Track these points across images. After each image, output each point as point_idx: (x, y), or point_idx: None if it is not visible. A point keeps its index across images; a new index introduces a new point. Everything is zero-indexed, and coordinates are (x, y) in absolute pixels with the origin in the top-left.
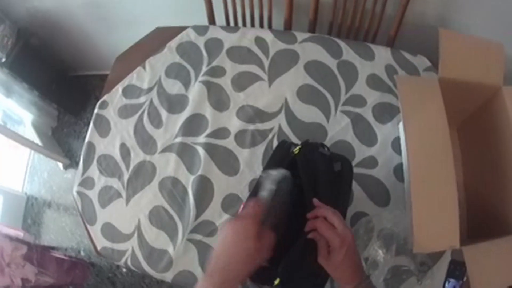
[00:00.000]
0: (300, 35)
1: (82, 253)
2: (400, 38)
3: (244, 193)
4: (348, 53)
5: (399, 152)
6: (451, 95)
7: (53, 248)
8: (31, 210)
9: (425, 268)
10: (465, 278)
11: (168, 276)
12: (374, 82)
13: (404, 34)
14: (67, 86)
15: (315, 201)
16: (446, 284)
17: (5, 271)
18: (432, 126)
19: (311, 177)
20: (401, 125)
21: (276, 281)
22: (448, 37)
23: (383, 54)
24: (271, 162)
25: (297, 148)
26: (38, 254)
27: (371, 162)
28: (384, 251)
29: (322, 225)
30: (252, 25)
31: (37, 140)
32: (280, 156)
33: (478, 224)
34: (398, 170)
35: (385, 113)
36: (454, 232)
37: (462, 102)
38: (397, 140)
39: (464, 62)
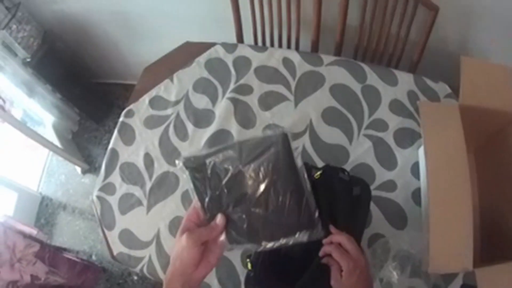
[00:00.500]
0: (326, 58)
1: (94, 257)
2: (422, 63)
3: None
4: (372, 78)
5: (417, 176)
6: (470, 120)
7: (64, 249)
8: (45, 211)
9: None
10: None
11: None
12: (396, 107)
13: (426, 60)
14: (90, 92)
15: (331, 227)
16: None
17: (15, 266)
18: (451, 151)
19: (329, 203)
20: (421, 150)
21: None
22: (469, 65)
23: (405, 80)
24: None
25: (318, 173)
26: (51, 253)
27: (390, 185)
28: (399, 272)
29: (336, 250)
30: (280, 45)
31: (56, 142)
32: None
33: (492, 246)
34: (416, 194)
35: (406, 138)
36: (468, 255)
37: (480, 127)
38: (416, 165)
39: (483, 89)
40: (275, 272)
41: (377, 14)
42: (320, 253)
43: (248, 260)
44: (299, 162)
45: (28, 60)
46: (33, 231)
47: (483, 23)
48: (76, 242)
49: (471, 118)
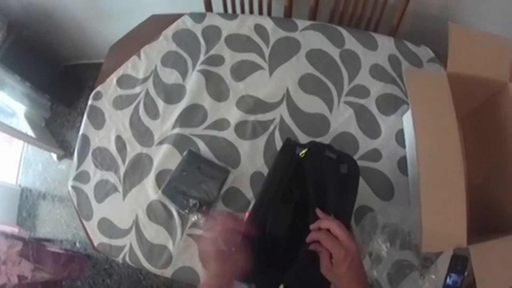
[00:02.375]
0: (301, 23)
1: (78, 245)
2: (402, 28)
3: (245, 187)
4: (351, 42)
5: (403, 145)
6: (457, 88)
7: (48, 240)
8: (26, 203)
9: (428, 263)
10: (466, 273)
11: (168, 272)
12: (377, 72)
13: (406, 24)
14: (60, 76)
15: (318, 211)
16: (448, 279)
17: (1, 269)
18: (441, 122)
19: (317, 184)
20: (405, 117)
21: (281, 287)
22: (457, 32)
23: (386, 44)
24: (277, 166)
25: (303, 152)
26: (34, 249)
27: (375, 154)
28: (388, 245)
29: (326, 237)
30: (251, 12)
31: (30, 132)
32: (285, 160)
33: (480, 218)
34: (402, 163)
35: (389, 104)
36: (462, 232)
37: (468, 96)
38: (401, 132)
39: (472, 57)
40: (264, 260)
41: None
42: (308, 240)
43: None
44: None
45: None
46: (15, 230)
47: None
48: (59, 231)
49: (459, 86)
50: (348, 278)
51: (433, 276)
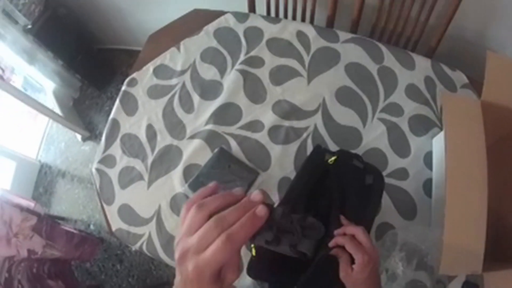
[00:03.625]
0: (343, 35)
1: (92, 227)
2: (438, 49)
3: (273, 191)
4: (389, 59)
5: (430, 167)
6: (489, 117)
7: (62, 219)
8: (44, 179)
9: (440, 286)
10: None
11: None
12: (412, 92)
13: (443, 46)
14: (93, 58)
15: (342, 218)
16: None
17: (12, 241)
18: (471, 149)
19: (341, 191)
20: (435, 140)
21: None
22: (495, 61)
23: (423, 65)
24: (305, 169)
25: (333, 158)
26: (48, 226)
27: (402, 173)
28: (405, 264)
29: (350, 243)
30: (293, 17)
31: (57, 110)
32: (314, 164)
33: (495, 245)
34: (427, 185)
35: (421, 125)
36: (479, 258)
37: (498, 125)
38: (429, 154)
39: (507, 87)
40: (279, 261)
41: None
42: (331, 244)
43: (252, 246)
44: None
45: (29, 27)
46: (31, 204)
47: (506, 20)
48: (75, 211)
49: (490, 114)
50: (366, 285)
51: None
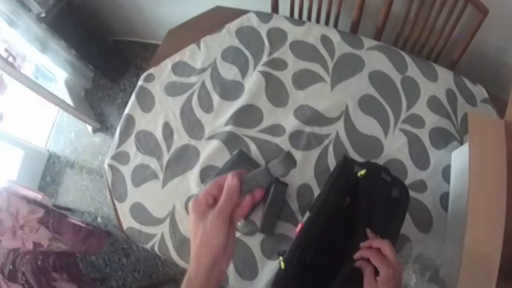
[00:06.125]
0: (367, 42)
1: (99, 220)
2: (459, 63)
3: (291, 197)
4: (413, 70)
5: (448, 180)
6: (510, 136)
7: (69, 210)
8: (52, 168)
9: None
10: None
11: None
12: (434, 104)
13: (463, 60)
14: (107, 49)
15: (369, 231)
16: None
17: (18, 233)
18: (493, 167)
19: (369, 204)
20: (454, 154)
21: None
22: None
23: (446, 77)
24: (337, 180)
25: (363, 172)
26: (55, 219)
27: (421, 186)
28: (418, 276)
29: (376, 256)
30: (317, 21)
31: (68, 100)
32: (344, 176)
33: (508, 265)
34: (444, 199)
35: (441, 138)
36: (493, 276)
37: None
38: (448, 168)
39: None
40: (306, 275)
41: (424, 6)
42: (356, 256)
43: (281, 258)
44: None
45: (43, 15)
46: (38, 196)
47: None
48: (82, 202)
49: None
50: None
51: None
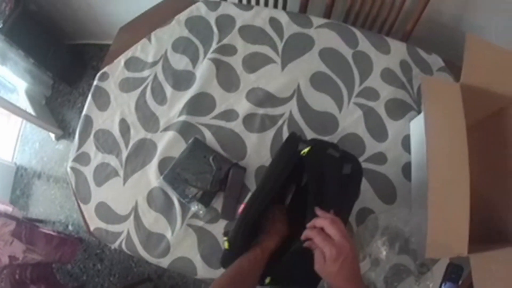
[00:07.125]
0: (316, 20)
1: (71, 228)
2: (414, 33)
3: (250, 180)
4: (364, 44)
5: (408, 150)
6: (468, 99)
7: (41, 221)
8: (20, 181)
9: (424, 270)
10: (460, 282)
11: (164, 262)
12: (388, 76)
13: (418, 30)
14: (63, 54)
15: (317, 209)
16: (443, 286)
17: None
18: (451, 132)
19: (317, 182)
20: (412, 124)
21: (267, 280)
22: (474, 43)
23: (398, 49)
24: (279, 159)
25: (306, 150)
26: (27, 230)
27: (381, 158)
28: (387, 248)
29: (318, 236)
30: (266, 4)
31: (30, 109)
32: (287, 154)
33: (481, 227)
34: (406, 169)
35: (397, 109)
36: (464, 241)
37: (477, 107)
38: (407, 138)
39: (485, 70)
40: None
41: None
42: (302, 237)
43: (225, 238)
44: None
45: (0, 26)
46: (9, 209)
47: (482, 4)
48: (52, 212)
49: (470, 97)
50: (341, 277)
51: (429, 283)
